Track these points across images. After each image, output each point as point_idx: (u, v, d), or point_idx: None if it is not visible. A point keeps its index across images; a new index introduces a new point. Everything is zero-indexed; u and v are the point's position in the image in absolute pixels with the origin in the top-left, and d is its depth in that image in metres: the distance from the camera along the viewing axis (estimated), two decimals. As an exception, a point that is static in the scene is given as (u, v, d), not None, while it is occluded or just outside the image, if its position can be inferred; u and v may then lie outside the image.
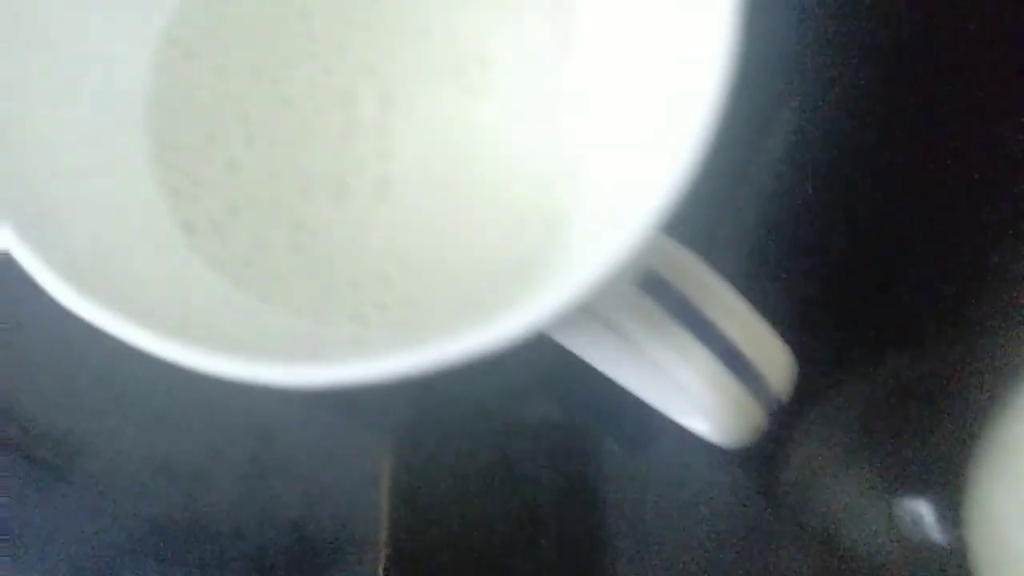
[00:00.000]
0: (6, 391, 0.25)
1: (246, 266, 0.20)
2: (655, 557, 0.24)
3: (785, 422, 0.22)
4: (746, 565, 0.24)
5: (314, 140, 0.21)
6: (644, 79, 0.17)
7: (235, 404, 0.24)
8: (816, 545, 0.25)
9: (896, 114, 0.26)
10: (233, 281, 0.20)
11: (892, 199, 0.26)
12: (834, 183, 0.26)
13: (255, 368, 0.14)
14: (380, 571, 0.24)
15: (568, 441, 0.24)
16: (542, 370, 0.24)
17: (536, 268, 0.20)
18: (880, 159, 0.26)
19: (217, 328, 0.18)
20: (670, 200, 0.14)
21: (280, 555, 0.24)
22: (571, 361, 0.19)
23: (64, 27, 0.19)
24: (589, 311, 0.16)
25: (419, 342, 0.14)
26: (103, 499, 0.25)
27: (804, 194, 0.26)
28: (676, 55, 0.16)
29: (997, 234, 0.26)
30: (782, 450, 0.25)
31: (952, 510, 0.24)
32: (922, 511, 0.25)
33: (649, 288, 0.16)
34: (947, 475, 0.25)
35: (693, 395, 0.16)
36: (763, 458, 0.24)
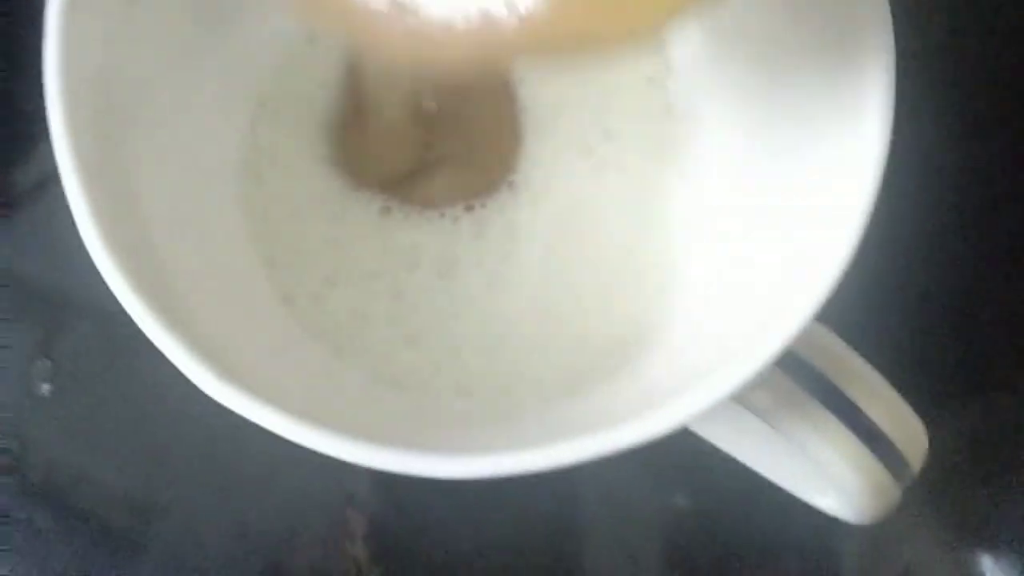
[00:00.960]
0: (79, 454, 0.25)
1: (346, 336, 0.20)
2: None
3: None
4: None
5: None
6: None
7: (317, 465, 0.24)
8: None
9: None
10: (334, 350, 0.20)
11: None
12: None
13: (408, 460, 0.13)
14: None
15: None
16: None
17: (630, 346, 0.20)
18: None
19: (330, 406, 0.17)
20: (831, 287, 0.14)
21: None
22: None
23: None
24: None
25: (566, 431, 0.14)
26: (183, 569, 0.24)
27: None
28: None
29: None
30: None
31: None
32: (1004, 566, 0.25)
33: (786, 367, 0.16)
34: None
35: (834, 476, 0.16)
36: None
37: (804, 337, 0.16)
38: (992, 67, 0.27)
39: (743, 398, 0.16)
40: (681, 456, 0.22)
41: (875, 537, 0.25)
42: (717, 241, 0.19)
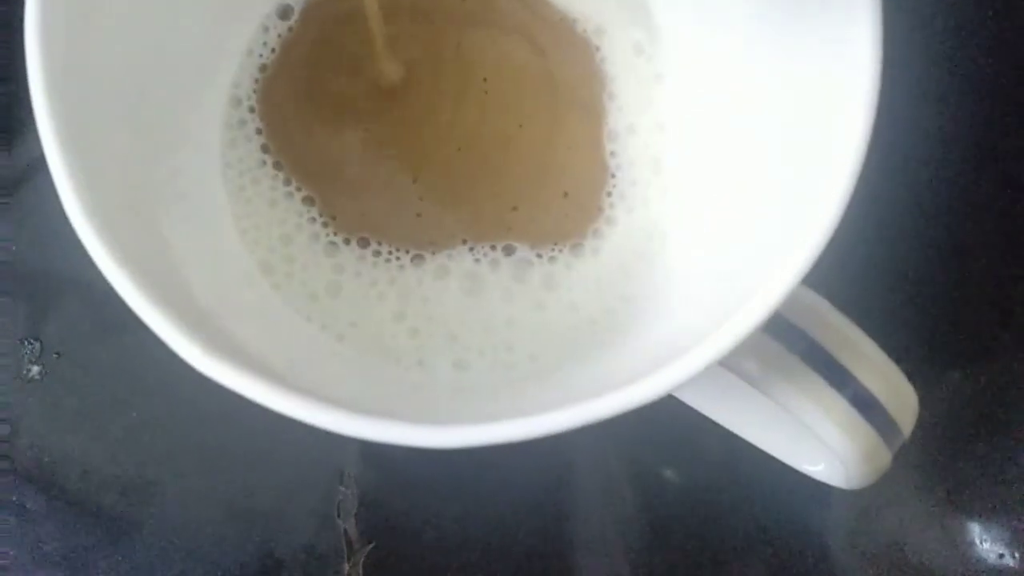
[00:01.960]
0: (69, 436, 0.25)
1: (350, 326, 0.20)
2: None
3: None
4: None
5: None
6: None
7: (309, 442, 0.24)
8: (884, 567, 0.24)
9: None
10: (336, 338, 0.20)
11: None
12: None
13: (410, 432, 0.13)
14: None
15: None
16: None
17: (619, 314, 0.19)
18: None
19: (324, 379, 0.17)
20: (817, 251, 0.14)
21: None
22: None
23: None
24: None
25: (558, 398, 0.14)
26: (175, 549, 0.24)
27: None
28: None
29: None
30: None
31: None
32: (993, 534, 0.25)
33: (777, 333, 0.16)
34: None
35: (825, 441, 0.16)
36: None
37: (796, 303, 0.16)
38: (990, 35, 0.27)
39: (735, 364, 0.16)
40: (670, 430, 0.23)
41: (864, 508, 0.25)
42: (704, 206, 0.19)
